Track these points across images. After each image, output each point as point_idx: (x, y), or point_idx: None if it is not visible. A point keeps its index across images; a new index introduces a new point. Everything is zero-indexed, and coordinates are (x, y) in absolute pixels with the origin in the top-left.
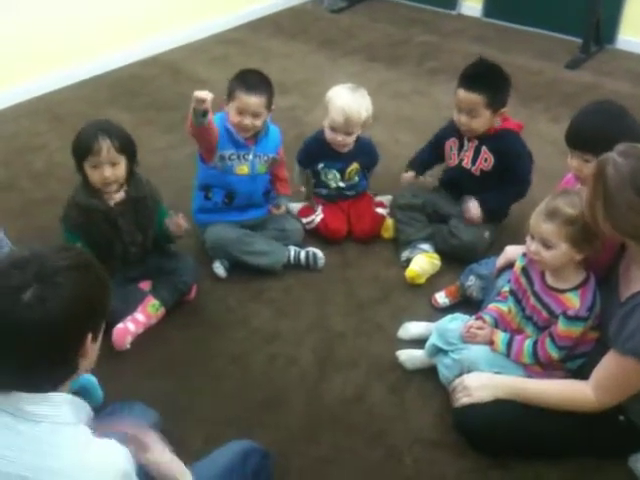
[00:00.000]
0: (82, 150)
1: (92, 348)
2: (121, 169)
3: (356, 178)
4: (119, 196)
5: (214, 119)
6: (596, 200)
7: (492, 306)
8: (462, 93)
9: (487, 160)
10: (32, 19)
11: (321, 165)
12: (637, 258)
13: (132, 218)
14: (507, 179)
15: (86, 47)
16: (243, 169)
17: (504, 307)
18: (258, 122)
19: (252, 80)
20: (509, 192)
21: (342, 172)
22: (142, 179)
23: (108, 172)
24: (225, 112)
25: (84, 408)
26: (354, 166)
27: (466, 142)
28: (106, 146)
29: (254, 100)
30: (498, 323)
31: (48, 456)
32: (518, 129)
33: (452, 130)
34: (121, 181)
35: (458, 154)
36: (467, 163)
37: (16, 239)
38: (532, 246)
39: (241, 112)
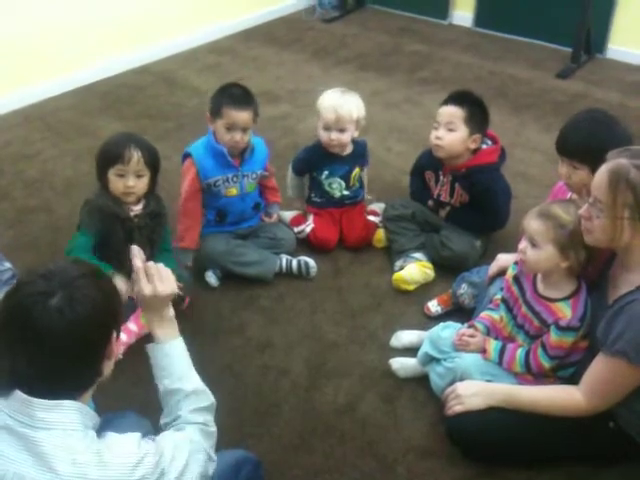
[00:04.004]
0: (111, 157)
1: (115, 348)
2: (144, 182)
3: (357, 184)
4: (137, 208)
5: (198, 145)
6: (622, 212)
7: (484, 314)
8: (443, 108)
9: (462, 196)
10: (24, 28)
11: (325, 173)
12: (624, 262)
13: (147, 234)
14: (482, 212)
15: (79, 55)
16: (232, 191)
17: (496, 315)
18: (247, 136)
19: (238, 95)
20: (481, 222)
21: (346, 179)
22: (159, 195)
23: (132, 182)
24: (210, 132)
25: (92, 416)
26: (356, 170)
27: (441, 177)
28: (136, 156)
29: (243, 115)
30: (490, 331)
31: (63, 460)
32: (491, 160)
33: (428, 162)
34: (140, 194)
35: (435, 186)
36: (445, 197)
37: (9, 247)
38: (521, 244)
39: (230, 128)
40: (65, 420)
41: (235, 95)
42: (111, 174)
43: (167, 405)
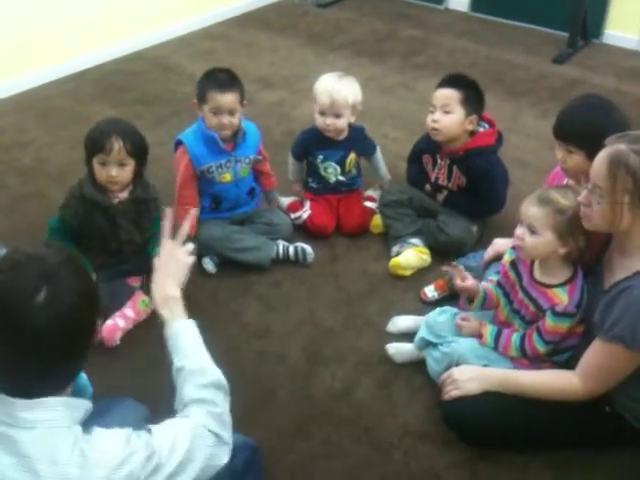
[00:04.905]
0: (93, 146)
1: (98, 332)
2: (128, 171)
3: (354, 171)
4: (123, 195)
5: (189, 133)
6: (622, 197)
7: (485, 284)
8: (438, 91)
9: (460, 179)
10: (17, 15)
11: (320, 157)
12: (621, 247)
13: (133, 218)
14: (480, 196)
15: (72, 42)
16: (226, 177)
17: (493, 289)
18: (235, 119)
19: (222, 78)
20: (478, 206)
21: (342, 164)
22: (148, 182)
23: (115, 172)
24: (200, 119)
25: (80, 407)
26: (352, 156)
27: (439, 160)
28: (117, 147)
29: (228, 98)
30: (487, 298)
31: (44, 461)
32: (489, 143)
33: (426, 146)
34: (125, 183)
35: (432, 170)
36: (443, 181)
37: (4, 235)
38: (518, 230)
39: (217, 112)
40: (49, 418)
41: (219, 79)
42: (95, 162)
43: (177, 385)
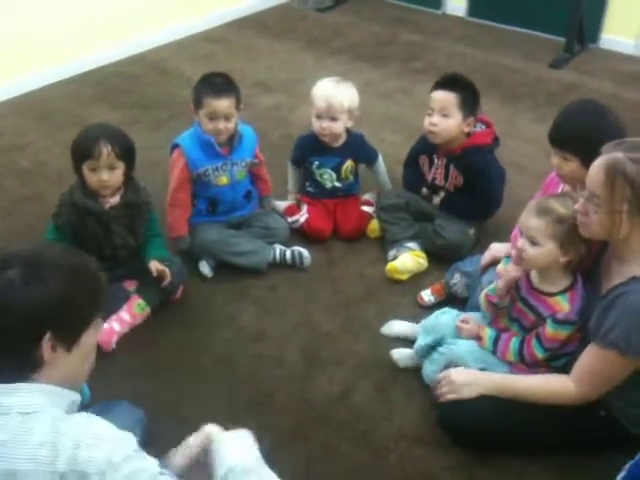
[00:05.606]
0: (82, 153)
1: (56, 357)
2: (119, 174)
3: (351, 177)
4: (114, 200)
5: (185, 136)
6: (620, 206)
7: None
8: (436, 93)
9: (457, 178)
10: (17, 17)
11: (316, 163)
12: (619, 253)
13: (126, 222)
14: (476, 196)
15: (72, 45)
16: (222, 180)
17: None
18: (231, 124)
19: (217, 83)
20: (475, 206)
21: (337, 171)
22: (139, 185)
23: (106, 176)
24: (196, 123)
25: (65, 397)
26: (349, 163)
27: (436, 160)
28: (106, 151)
29: (223, 103)
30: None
31: (22, 444)
32: (486, 142)
33: (423, 147)
34: (116, 186)
35: (429, 171)
36: (440, 181)
37: (1, 238)
38: (519, 242)
39: (212, 117)
40: (24, 403)
41: (215, 84)
42: (85, 169)
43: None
